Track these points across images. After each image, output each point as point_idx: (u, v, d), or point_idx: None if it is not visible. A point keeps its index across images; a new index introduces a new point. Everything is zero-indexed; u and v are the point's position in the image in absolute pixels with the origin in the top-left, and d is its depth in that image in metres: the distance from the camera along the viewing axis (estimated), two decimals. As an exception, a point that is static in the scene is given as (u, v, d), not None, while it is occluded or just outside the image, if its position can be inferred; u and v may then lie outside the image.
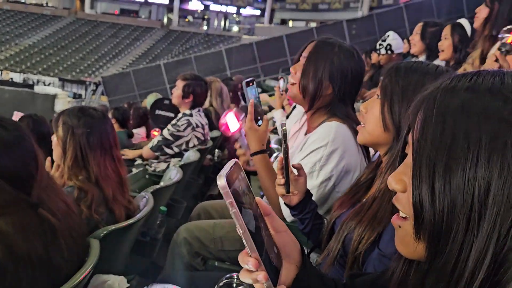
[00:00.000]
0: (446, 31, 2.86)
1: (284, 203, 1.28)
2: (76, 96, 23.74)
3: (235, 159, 0.65)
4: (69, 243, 1.17)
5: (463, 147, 0.52)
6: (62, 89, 21.44)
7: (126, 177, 1.68)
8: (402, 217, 0.61)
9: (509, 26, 1.65)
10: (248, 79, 1.55)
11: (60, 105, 13.70)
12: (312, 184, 1.42)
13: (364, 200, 1.15)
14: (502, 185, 0.50)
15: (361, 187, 1.21)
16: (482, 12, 2.26)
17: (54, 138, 1.61)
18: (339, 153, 1.42)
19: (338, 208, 1.22)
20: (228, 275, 1.19)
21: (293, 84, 1.56)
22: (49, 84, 22.84)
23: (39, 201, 1.14)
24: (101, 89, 16.72)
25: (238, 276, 1.19)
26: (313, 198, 1.33)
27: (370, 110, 1.14)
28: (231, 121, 1.72)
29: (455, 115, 0.53)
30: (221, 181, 0.60)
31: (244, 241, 0.63)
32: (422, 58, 3.28)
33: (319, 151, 1.43)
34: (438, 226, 0.53)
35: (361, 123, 1.18)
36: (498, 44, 1.72)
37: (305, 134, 1.63)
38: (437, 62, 2.95)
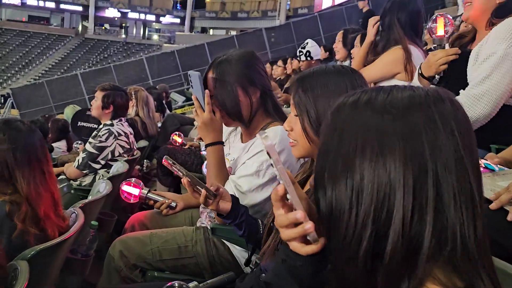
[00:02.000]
0: (357, 40, 3.14)
1: (217, 215, 1.30)
2: (-18, 110, 21.81)
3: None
4: None
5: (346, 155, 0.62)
6: (-35, 103, 19.59)
7: (58, 193, 1.60)
8: None
9: (433, 17, 1.79)
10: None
11: (-37, 121, 12.48)
12: (258, 183, 1.46)
13: None
14: (371, 183, 0.59)
15: None
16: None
17: None
18: (285, 154, 1.47)
19: None
20: (169, 284, 1.19)
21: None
22: None
23: None
24: (11, 102, 15.54)
25: (179, 285, 1.20)
26: (259, 196, 1.39)
27: (294, 127, 1.16)
28: (128, 189, 1.92)
29: (342, 126, 0.64)
30: (267, 139, 0.65)
31: (289, 195, 0.67)
32: (346, 63, 3.50)
33: None
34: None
35: (291, 141, 1.19)
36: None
37: (242, 142, 1.67)
38: None
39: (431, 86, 1.75)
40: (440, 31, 1.73)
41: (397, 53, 2.36)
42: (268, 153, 0.67)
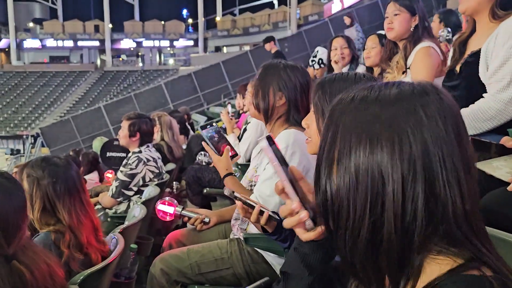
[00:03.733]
0: (374, 40, 3.15)
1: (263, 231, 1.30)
2: (14, 152, 22.65)
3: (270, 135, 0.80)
4: None
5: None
6: (-2, 147, 20.37)
7: (98, 220, 1.71)
8: None
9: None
10: (203, 125, 1.92)
11: (-2, 164, 12.99)
12: None
13: None
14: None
15: None
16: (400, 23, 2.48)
17: None
18: (299, 155, 1.58)
19: None
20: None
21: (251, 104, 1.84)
22: (-18, 143, 21.63)
23: (16, 254, 1.15)
24: (41, 141, 16.05)
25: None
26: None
27: (311, 124, 1.26)
28: (164, 208, 2.00)
29: (338, 122, 0.67)
30: (263, 141, 0.77)
31: (286, 189, 0.76)
32: (346, 68, 3.54)
33: None
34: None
35: (307, 138, 1.29)
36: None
37: None
38: None
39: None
40: None
41: (431, 51, 2.33)
42: (265, 154, 0.77)
